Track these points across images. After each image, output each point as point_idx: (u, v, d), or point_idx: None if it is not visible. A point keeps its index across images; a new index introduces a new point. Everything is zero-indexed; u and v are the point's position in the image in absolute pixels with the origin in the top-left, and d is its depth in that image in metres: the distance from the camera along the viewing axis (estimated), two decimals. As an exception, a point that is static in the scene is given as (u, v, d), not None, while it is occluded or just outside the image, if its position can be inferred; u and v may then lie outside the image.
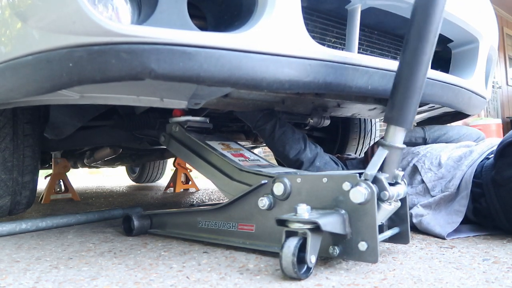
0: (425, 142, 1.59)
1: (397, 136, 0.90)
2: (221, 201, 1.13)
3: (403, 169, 1.36)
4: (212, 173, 1.22)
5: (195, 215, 1.17)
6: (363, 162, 1.59)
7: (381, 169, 0.90)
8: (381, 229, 0.97)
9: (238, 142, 1.42)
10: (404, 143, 1.57)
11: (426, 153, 1.38)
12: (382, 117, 2.01)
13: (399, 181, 0.94)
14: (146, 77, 0.77)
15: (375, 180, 0.86)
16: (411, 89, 0.87)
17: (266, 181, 1.01)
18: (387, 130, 0.92)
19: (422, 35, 0.86)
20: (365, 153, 1.66)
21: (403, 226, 0.98)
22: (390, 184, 0.89)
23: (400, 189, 0.92)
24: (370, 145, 2.24)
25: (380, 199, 0.87)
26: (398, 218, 0.99)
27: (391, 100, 0.90)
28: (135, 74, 0.76)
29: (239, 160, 1.20)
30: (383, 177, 0.87)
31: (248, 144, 2.30)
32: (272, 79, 0.88)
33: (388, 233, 0.96)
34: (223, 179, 1.18)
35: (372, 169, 0.87)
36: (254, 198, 1.02)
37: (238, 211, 1.06)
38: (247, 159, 1.24)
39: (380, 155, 0.90)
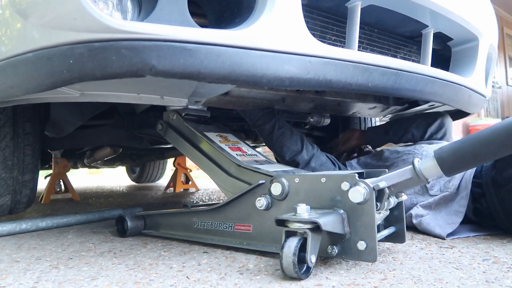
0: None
1: (432, 174, 0.87)
2: (220, 201, 1.13)
3: None
4: (209, 167, 1.21)
5: (190, 215, 1.17)
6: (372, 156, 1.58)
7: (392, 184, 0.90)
8: (378, 228, 0.97)
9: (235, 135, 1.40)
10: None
11: (422, 151, 1.38)
12: (382, 116, 2.01)
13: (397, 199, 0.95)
14: (146, 74, 0.77)
15: (380, 191, 0.87)
16: (478, 157, 0.83)
17: (264, 181, 1.00)
18: (428, 162, 0.87)
19: None
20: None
21: (399, 225, 0.99)
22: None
23: (391, 200, 0.93)
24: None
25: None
26: (394, 218, 0.99)
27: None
28: (135, 70, 0.76)
29: (236, 154, 1.20)
30: (387, 193, 0.88)
31: (248, 143, 2.29)
32: (272, 76, 0.88)
33: (385, 233, 0.96)
34: (220, 174, 1.17)
35: (387, 182, 0.87)
36: (252, 198, 1.01)
37: (235, 211, 1.06)
38: (245, 154, 1.23)
39: (405, 174, 0.89)
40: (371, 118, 2.32)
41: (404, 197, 0.95)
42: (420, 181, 0.87)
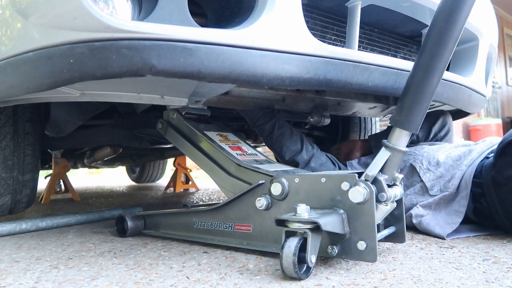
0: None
1: (402, 140, 0.90)
2: (220, 201, 1.13)
3: (400, 170, 1.36)
4: (209, 166, 1.21)
5: (190, 215, 1.17)
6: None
7: (381, 170, 0.90)
8: (378, 228, 0.97)
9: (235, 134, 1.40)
10: None
11: (423, 153, 1.37)
12: (382, 116, 2.01)
13: (397, 183, 0.95)
14: (147, 73, 0.77)
15: (375, 181, 0.87)
16: (423, 94, 0.86)
17: (264, 181, 1.00)
18: (392, 132, 0.91)
19: (442, 40, 0.84)
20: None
21: (399, 225, 0.99)
22: (388, 186, 0.90)
23: (397, 191, 0.93)
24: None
25: (378, 200, 0.87)
26: (394, 218, 0.99)
27: (400, 103, 0.89)
28: (136, 70, 0.76)
29: (236, 154, 1.19)
30: (383, 178, 0.88)
31: (249, 142, 2.29)
32: (272, 75, 0.88)
33: (385, 233, 0.96)
34: (220, 174, 1.17)
35: (373, 170, 0.87)
36: (251, 198, 1.01)
37: (235, 211, 1.06)
38: (245, 153, 1.23)
39: (382, 156, 0.90)
40: (371, 118, 2.32)
41: (400, 176, 0.95)
42: (396, 150, 0.89)
